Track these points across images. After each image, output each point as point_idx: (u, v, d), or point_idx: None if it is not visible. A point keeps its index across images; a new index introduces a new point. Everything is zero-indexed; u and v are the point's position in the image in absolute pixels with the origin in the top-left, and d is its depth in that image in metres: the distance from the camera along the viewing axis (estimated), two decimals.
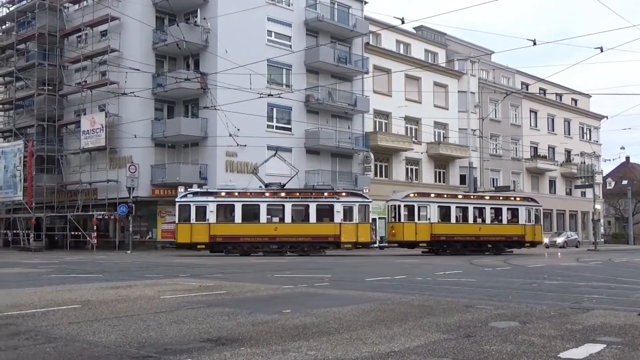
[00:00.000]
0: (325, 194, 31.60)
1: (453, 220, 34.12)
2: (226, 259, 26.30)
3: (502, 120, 55.38)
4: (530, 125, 59.58)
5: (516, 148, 57.29)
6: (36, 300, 9.98)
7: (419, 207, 33.41)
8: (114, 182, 36.42)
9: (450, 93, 51.14)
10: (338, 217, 31.15)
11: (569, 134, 65.08)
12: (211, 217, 30.41)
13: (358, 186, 41.64)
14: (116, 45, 37.13)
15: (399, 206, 33.36)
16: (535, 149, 59.86)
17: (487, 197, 37.10)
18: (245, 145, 35.11)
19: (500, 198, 37.13)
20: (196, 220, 30.24)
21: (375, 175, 45.15)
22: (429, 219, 33.42)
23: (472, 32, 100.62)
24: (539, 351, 5.72)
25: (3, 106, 44.75)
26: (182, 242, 30.93)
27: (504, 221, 35.21)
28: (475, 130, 51.31)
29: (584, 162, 55.45)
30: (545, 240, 52.28)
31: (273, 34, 39.06)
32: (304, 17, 40.52)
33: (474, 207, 34.79)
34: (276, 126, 38.89)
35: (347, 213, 31.37)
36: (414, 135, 47.98)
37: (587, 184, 51.53)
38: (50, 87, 40.81)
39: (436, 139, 49.66)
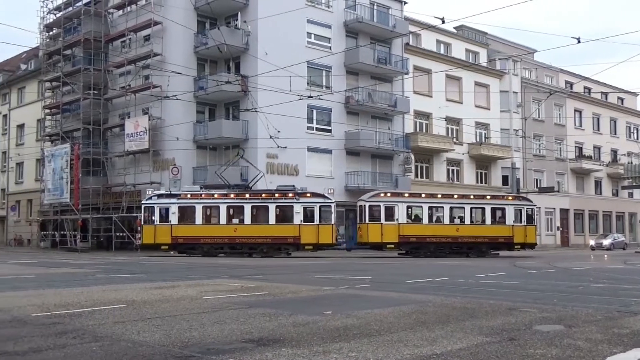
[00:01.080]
0: (290, 194, 31.30)
1: (425, 220, 32.42)
2: (265, 261, 26.45)
3: (545, 120, 54.38)
4: (575, 124, 58.37)
5: (560, 148, 56.18)
6: (83, 300, 10.21)
7: (385, 208, 31.85)
8: (157, 184, 36.99)
9: (492, 93, 50.47)
10: (297, 218, 30.97)
11: (615, 134, 63.51)
12: (173, 218, 31.04)
13: (399, 187, 41.45)
14: (159, 49, 37.73)
15: (364, 207, 32.24)
16: (580, 149, 58.60)
17: (471, 197, 34.44)
18: (286, 147, 35.29)
19: (489, 197, 34.51)
20: (159, 222, 30.97)
21: (416, 176, 44.84)
22: (397, 219, 31.91)
23: (514, 30, 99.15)
24: (585, 355, 5.60)
25: (51, 110, 45.88)
26: (146, 243, 31.73)
27: (488, 221, 33.24)
28: (517, 130, 50.51)
29: (631, 162, 53.98)
30: (591, 242, 51.20)
31: (313, 35, 39.16)
32: (343, 19, 40.52)
33: (451, 207, 32.94)
34: (316, 128, 38.96)
35: (308, 214, 31.04)
36: (455, 135, 47.51)
37: (634, 184, 50.21)
38: (95, 92, 41.70)
39: (477, 140, 49.08)
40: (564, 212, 56.26)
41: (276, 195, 31.37)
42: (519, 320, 7.74)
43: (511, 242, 33.10)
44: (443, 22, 22.38)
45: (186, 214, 31.39)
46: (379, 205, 31.86)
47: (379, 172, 41.79)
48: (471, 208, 33.24)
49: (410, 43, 45.28)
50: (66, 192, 40.25)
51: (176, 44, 37.47)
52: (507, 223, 33.06)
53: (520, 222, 33.18)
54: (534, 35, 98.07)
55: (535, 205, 34.71)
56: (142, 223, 31.87)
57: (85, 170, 41.08)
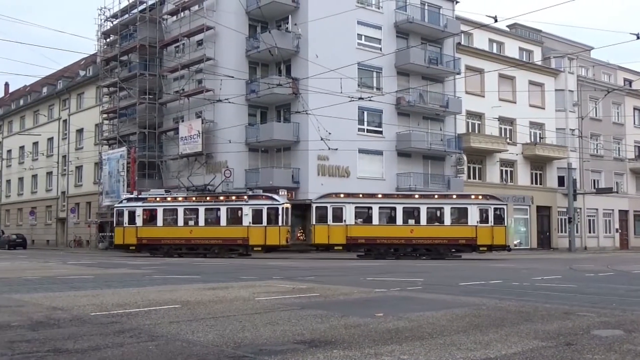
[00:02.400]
0: (241, 197, 32.26)
1: (375, 221, 31.25)
2: (319, 262, 26.54)
3: (603, 119, 52.85)
4: (634, 123, 56.52)
5: (619, 148, 54.49)
6: (139, 300, 10.46)
7: (333, 209, 31.07)
8: (210, 186, 37.52)
9: (547, 92, 49.38)
10: (246, 220, 31.61)
11: None
12: (138, 220, 33.46)
13: (451, 189, 41.00)
14: (211, 53, 38.33)
15: (312, 208, 31.77)
16: None
17: (420, 196, 32.44)
18: (337, 149, 35.33)
19: (454, 197, 32.56)
20: (128, 224, 33.57)
21: (469, 177, 44.24)
22: (345, 220, 31.03)
23: (569, 27, 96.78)
24: None
25: (108, 115, 47.14)
26: (117, 244, 34.71)
27: (447, 222, 31.23)
28: (574, 129, 49.29)
29: None
30: None
31: (363, 37, 39.08)
32: (394, 20, 40.31)
33: (404, 208, 31.23)
34: (367, 129, 38.86)
35: (257, 216, 31.48)
36: (508, 136, 46.66)
37: None
38: (150, 96, 42.65)
39: (532, 140, 48.08)
40: (623, 213, 54.56)
41: (229, 197, 32.69)
42: (576, 325, 7.55)
43: (474, 243, 30.89)
44: (496, 20, 22.05)
45: (150, 216, 33.72)
46: (326, 207, 31.21)
47: (431, 174, 41.40)
48: (427, 208, 31.33)
49: (462, 43, 44.71)
50: (123, 194, 41.28)
51: (228, 48, 37.99)
52: (469, 223, 30.96)
53: (487, 222, 30.89)
54: (590, 32, 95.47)
55: (505, 204, 32.01)
56: (115, 225, 34.90)
57: (141, 173, 42.06)
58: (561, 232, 49.34)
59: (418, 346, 6.22)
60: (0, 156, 67.39)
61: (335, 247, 31.45)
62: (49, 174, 58.14)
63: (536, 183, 48.96)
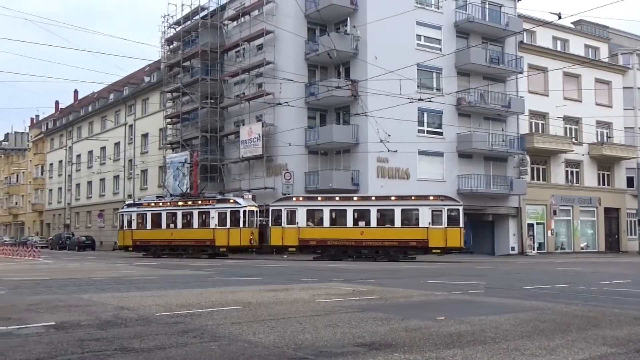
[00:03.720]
0: (209, 201, 35.31)
1: (326, 224, 31.60)
2: (376, 265, 26.45)
3: None
4: None
5: None
6: (202, 301, 10.67)
7: (287, 212, 31.95)
8: (270, 189, 37.99)
9: (614, 90, 47.78)
10: (213, 222, 34.48)
11: None
12: (133, 224, 37.99)
13: (513, 190, 40.22)
14: (271, 57, 38.76)
15: (269, 211, 32.85)
16: None
17: (391, 198, 31.69)
18: (396, 151, 35.13)
19: (413, 198, 31.50)
20: (126, 228, 38.24)
21: (532, 178, 43.23)
22: (297, 222, 31.71)
23: (638, 23, 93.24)
24: None
25: (171, 120, 48.28)
26: (120, 246, 39.31)
27: (397, 224, 30.80)
28: None
29: None
30: None
31: (422, 37, 38.73)
32: (453, 19, 39.80)
33: (355, 210, 31.34)
34: (427, 131, 38.48)
35: (221, 218, 34.09)
36: (573, 135, 45.37)
37: None
38: (212, 101, 43.46)
39: (599, 139, 46.60)
40: None
41: (199, 202, 35.90)
42: None
43: (426, 245, 30.32)
44: (560, 17, 21.48)
45: (142, 220, 37.91)
46: (281, 210, 32.18)
47: (493, 175, 40.65)
48: (377, 210, 31.13)
49: (525, 41, 43.76)
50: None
51: (287, 51, 38.33)
52: (420, 225, 30.38)
53: (440, 224, 30.13)
54: None
55: (460, 205, 30.79)
56: (118, 229, 39.39)
57: (203, 176, 42.88)
58: (631, 234, 47.64)
59: (480, 351, 6.12)
60: (70, 161, 69.97)
61: (290, 249, 32.42)
62: (116, 177, 59.99)
63: (603, 184, 47.42)
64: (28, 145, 73.11)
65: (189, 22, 45.88)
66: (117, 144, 59.90)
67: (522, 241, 41.70)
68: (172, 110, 48.63)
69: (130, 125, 57.82)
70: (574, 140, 44.79)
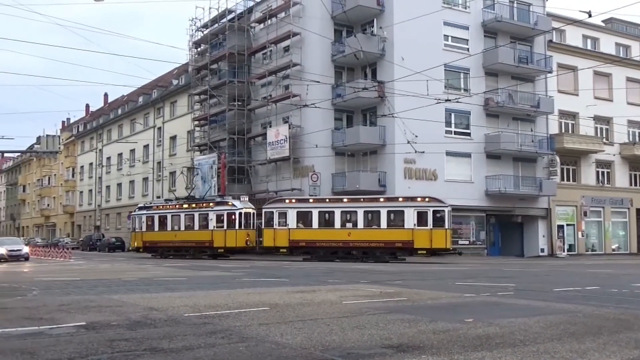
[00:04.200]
0: (204, 204, 37.35)
1: (315, 225, 32.15)
2: (404, 266, 26.36)
3: None
4: None
5: None
6: (230, 302, 10.74)
7: (279, 214, 32.80)
8: (297, 190, 38.04)
9: None
10: (211, 224, 35.96)
11: None
12: (143, 226, 40.10)
13: (543, 191, 39.69)
14: (298, 59, 38.85)
15: (262, 213, 33.88)
16: None
17: (380, 199, 32.32)
18: (424, 152, 34.93)
19: (400, 199, 31.48)
20: (138, 230, 40.43)
21: (562, 179, 42.65)
22: (288, 224, 32.47)
23: None
24: None
25: (199, 122, 48.65)
26: (132, 247, 41.61)
27: (384, 225, 30.86)
28: None
29: None
30: None
31: (450, 38, 38.48)
32: (481, 19, 39.46)
33: (342, 211, 31.76)
34: (454, 131, 38.21)
35: (219, 220, 35.67)
36: (604, 135, 44.66)
37: None
38: (239, 103, 43.69)
39: (631, 139, 45.80)
40: None
41: (202, 204, 37.54)
42: None
43: (411, 246, 30.32)
44: (590, 15, 21.19)
45: (151, 222, 39.82)
46: (273, 212, 33.07)
47: (522, 176, 40.18)
48: (365, 212, 31.37)
49: (554, 40, 43.21)
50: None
51: (314, 53, 38.38)
52: (406, 226, 30.36)
53: (425, 225, 30.05)
54: None
55: (446, 207, 30.56)
56: (131, 231, 41.52)
57: (230, 178, 43.11)
58: None
59: (509, 353, 6.07)
60: (100, 163, 70.95)
61: (281, 250, 33.18)
62: (145, 179, 60.66)
63: (636, 185, 46.59)
64: (59, 148, 74.10)
65: (216, 25, 46.20)
66: (146, 147, 60.57)
67: (552, 243, 41.18)
68: (199, 112, 49.00)
69: (159, 128, 58.41)
70: (604, 140, 44.10)
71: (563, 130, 42.99)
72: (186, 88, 52.23)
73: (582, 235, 42.89)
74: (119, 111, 69.19)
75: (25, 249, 35.67)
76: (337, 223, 31.81)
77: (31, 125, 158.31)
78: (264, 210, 33.70)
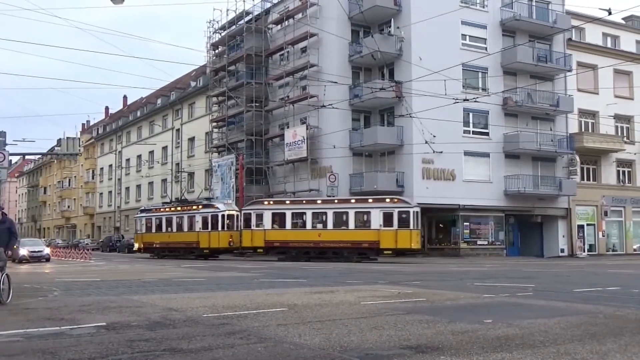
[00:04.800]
0: (194, 207, 38.97)
1: (288, 226, 33.10)
2: (422, 267, 26.25)
3: None
4: None
5: None
6: (248, 303, 10.77)
7: (256, 215, 34.09)
8: (315, 191, 38.08)
9: None
10: (197, 226, 37.46)
11: None
12: (143, 228, 42.07)
13: (563, 191, 39.34)
14: (315, 60, 38.87)
15: (242, 214, 35.54)
16: None
17: (336, 201, 33.24)
18: (442, 152, 34.78)
19: (370, 200, 31.98)
20: (140, 231, 42.49)
21: (582, 179, 42.22)
22: (264, 225, 33.61)
23: None
24: None
25: (217, 123, 48.88)
26: (135, 248, 43.63)
27: (351, 226, 31.53)
28: None
29: None
30: None
31: (467, 37, 38.28)
32: (499, 18, 39.19)
33: (313, 213, 32.79)
34: (472, 131, 37.99)
35: (205, 222, 36.84)
36: (625, 134, 44.15)
37: None
38: (257, 104, 43.81)
39: None
40: None
41: (193, 207, 39.08)
42: None
43: (377, 247, 30.81)
44: (610, 13, 20.97)
45: (151, 225, 41.62)
46: (251, 213, 34.35)
47: (541, 176, 39.85)
48: (334, 213, 32.16)
49: (573, 38, 42.82)
50: (232, 199, 42.64)
51: (331, 54, 38.38)
52: (372, 227, 30.90)
53: (391, 225, 30.38)
54: None
55: (411, 208, 30.76)
56: (135, 232, 44.03)
57: (248, 179, 43.26)
58: None
59: (529, 354, 6.02)
60: (119, 165, 71.53)
61: (258, 250, 34.52)
62: (164, 181, 61.04)
63: None
64: (79, 150, 74.78)
65: (233, 27, 46.38)
66: (165, 148, 60.95)
67: (572, 243, 40.78)
68: (217, 114, 49.21)
69: (177, 130, 58.76)
70: (625, 139, 43.59)
71: (583, 129, 42.58)
72: (204, 90, 52.49)
73: (603, 235, 42.44)
74: (138, 113, 69.71)
75: (47, 250, 36.09)
76: (309, 224, 32.79)
77: (52, 128, 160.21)
78: (243, 212, 35.25)
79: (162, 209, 41.96)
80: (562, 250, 40.48)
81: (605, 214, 41.97)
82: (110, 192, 74.89)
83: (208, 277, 18.97)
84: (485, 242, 37.63)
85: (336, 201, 33.04)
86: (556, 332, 7.42)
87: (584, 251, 40.44)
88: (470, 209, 36.84)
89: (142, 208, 45.40)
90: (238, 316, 8.97)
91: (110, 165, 75.31)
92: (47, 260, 34.64)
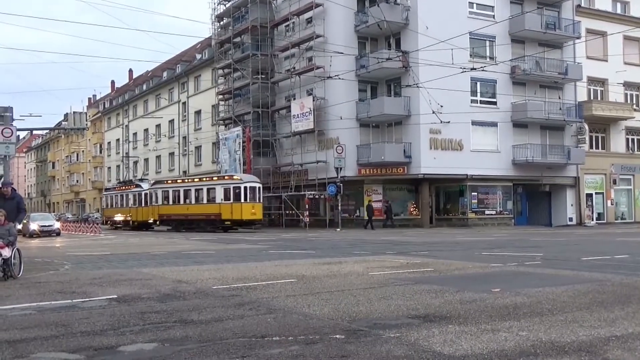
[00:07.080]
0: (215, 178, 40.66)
1: (171, 202, 39.46)
2: (431, 237, 26.31)
3: None
4: None
5: None
6: (258, 274, 10.85)
7: (154, 193, 41.04)
8: (322, 162, 38.07)
9: None
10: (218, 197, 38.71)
11: None
12: (159, 201, 41.28)
13: (571, 160, 39.21)
14: (321, 31, 38.54)
15: (146, 192, 42.12)
16: None
17: (196, 180, 39.68)
18: (449, 122, 34.64)
19: (215, 178, 37.97)
20: (154, 203, 41.87)
21: (591, 147, 42.01)
22: (158, 202, 40.49)
23: None
24: None
25: (224, 96, 48.73)
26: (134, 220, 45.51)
27: (204, 201, 37.03)
28: None
29: None
30: None
31: (475, 5, 37.81)
32: None
33: (184, 190, 38.69)
34: (480, 100, 37.76)
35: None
36: (635, 102, 43.76)
37: None
38: (263, 76, 43.62)
39: None
40: None
41: (214, 178, 39.88)
42: None
43: (219, 218, 35.53)
44: None
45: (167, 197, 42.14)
46: (151, 192, 41.55)
47: (549, 145, 39.67)
48: (195, 189, 37.98)
49: (582, 4, 42.22)
50: (240, 172, 42.68)
51: (337, 24, 38.04)
52: (216, 201, 36.02)
53: (229, 200, 35.20)
54: None
55: (242, 183, 35.30)
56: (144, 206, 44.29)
57: (256, 152, 43.28)
58: None
59: (537, 322, 6.05)
60: (127, 139, 71.62)
61: (156, 223, 41.28)
62: (171, 154, 61.15)
63: None
64: (87, 124, 74.93)
65: None
66: (172, 121, 60.93)
67: (581, 211, 40.74)
68: (223, 86, 49.04)
69: (184, 103, 58.64)
70: (634, 106, 43.23)
71: (592, 97, 42.23)
72: (210, 62, 52.24)
73: (612, 204, 42.37)
74: (144, 87, 69.52)
75: (57, 225, 36.33)
76: (182, 200, 38.63)
77: (58, 102, 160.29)
78: (148, 192, 41.92)
79: (175, 181, 42.26)
80: (571, 219, 40.46)
81: (614, 182, 41.82)
82: (118, 166, 75.07)
83: (217, 249, 19.09)
84: (494, 212, 37.65)
85: (205, 179, 38.75)
86: (564, 300, 7.45)
87: (593, 220, 40.41)
88: (478, 179, 36.77)
89: (154, 181, 45.14)
90: (247, 288, 9.04)
91: (118, 140, 75.40)
92: (58, 234, 34.91)
